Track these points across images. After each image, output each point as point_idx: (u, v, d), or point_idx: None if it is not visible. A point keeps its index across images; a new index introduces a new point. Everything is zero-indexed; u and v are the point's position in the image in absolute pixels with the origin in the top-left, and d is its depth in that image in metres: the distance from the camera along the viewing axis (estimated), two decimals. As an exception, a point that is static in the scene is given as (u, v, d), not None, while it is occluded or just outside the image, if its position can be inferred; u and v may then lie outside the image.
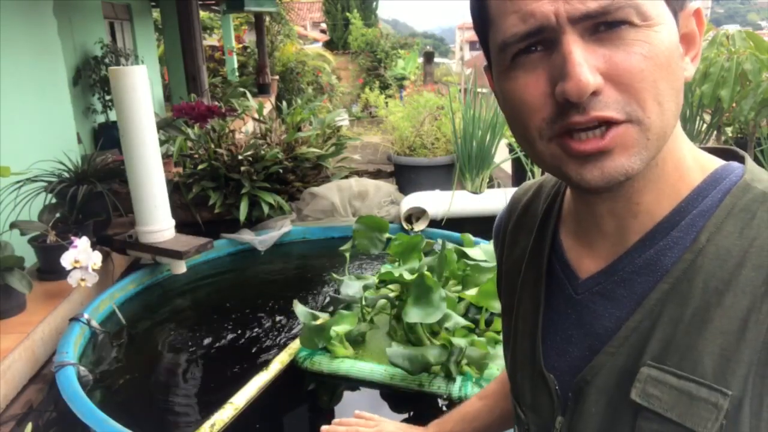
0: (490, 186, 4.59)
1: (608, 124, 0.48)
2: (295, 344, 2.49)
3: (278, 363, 2.39)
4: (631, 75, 0.48)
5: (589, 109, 0.48)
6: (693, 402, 0.50)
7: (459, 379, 2.17)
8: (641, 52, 0.48)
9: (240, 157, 3.97)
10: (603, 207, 0.58)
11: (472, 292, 2.59)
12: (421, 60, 12.58)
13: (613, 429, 0.56)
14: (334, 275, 2.91)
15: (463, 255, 2.89)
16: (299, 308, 2.47)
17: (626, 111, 0.48)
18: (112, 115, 5.40)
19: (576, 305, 0.62)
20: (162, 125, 4.03)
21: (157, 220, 3.18)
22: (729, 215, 0.53)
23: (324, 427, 1.05)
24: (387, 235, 3.04)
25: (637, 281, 0.56)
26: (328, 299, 3.04)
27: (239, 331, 2.75)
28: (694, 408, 0.50)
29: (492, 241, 0.84)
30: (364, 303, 2.64)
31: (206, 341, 2.69)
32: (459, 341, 2.23)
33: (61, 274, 2.66)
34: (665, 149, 0.53)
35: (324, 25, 20.02)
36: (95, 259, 2.67)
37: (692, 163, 0.57)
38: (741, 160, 0.59)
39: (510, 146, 4.82)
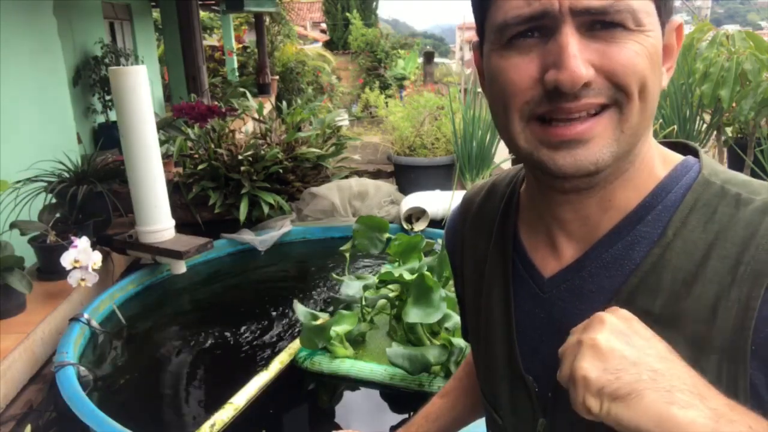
0: (490, 186, 4.58)
1: (588, 113, 0.51)
2: (295, 344, 2.49)
3: (278, 363, 2.39)
4: (623, 68, 0.50)
5: (581, 97, 0.50)
6: None
7: (459, 379, 2.17)
8: (634, 48, 0.50)
9: (240, 157, 3.97)
10: (569, 208, 0.60)
11: (472, 292, 2.58)
12: (421, 60, 12.57)
13: (596, 425, 0.56)
14: (334, 275, 2.92)
15: (463, 255, 2.89)
16: (299, 308, 2.47)
17: (614, 97, 0.51)
18: (112, 115, 5.39)
19: (544, 304, 0.62)
20: (162, 125, 4.03)
21: (157, 220, 3.18)
22: (692, 210, 0.55)
23: None
24: (387, 235, 3.04)
25: (606, 276, 0.58)
26: (328, 299, 3.04)
27: (239, 331, 2.75)
28: None
29: (445, 242, 0.83)
30: (364, 303, 2.64)
31: (206, 341, 2.69)
32: (459, 341, 2.23)
33: (61, 274, 2.66)
34: (641, 149, 0.56)
35: (324, 25, 20.01)
36: (95, 259, 2.67)
37: (657, 159, 0.60)
38: (694, 152, 0.62)
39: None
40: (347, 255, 3.18)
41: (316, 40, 18.29)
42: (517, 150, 0.57)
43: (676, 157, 0.61)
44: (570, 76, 0.49)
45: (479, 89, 4.74)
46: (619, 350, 0.46)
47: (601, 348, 0.46)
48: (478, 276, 0.72)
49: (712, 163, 0.60)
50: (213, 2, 9.58)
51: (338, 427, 2.20)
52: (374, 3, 18.00)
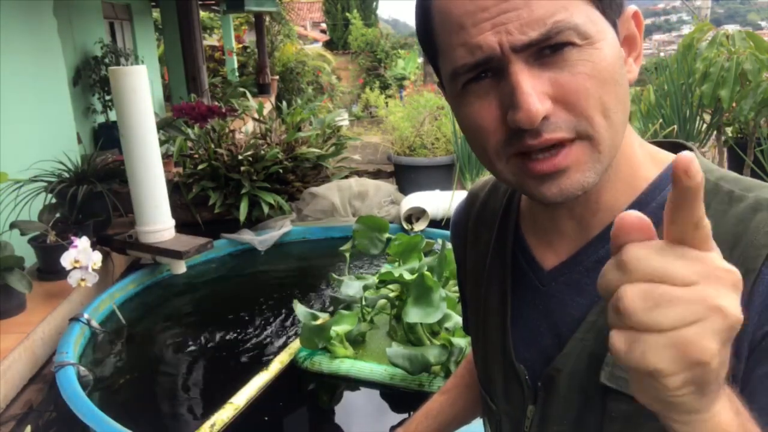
0: (490, 186, 4.59)
1: (561, 143, 0.51)
2: (295, 344, 2.49)
3: (278, 363, 2.39)
4: (577, 94, 0.50)
5: (543, 132, 0.50)
6: None
7: (459, 379, 2.17)
8: (585, 71, 0.50)
9: (240, 157, 3.97)
10: (563, 211, 0.61)
11: (472, 292, 2.58)
12: (421, 60, 12.58)
13: (585, 413, 0.59)
14: (334, 275, 2.91)
15: (463, 255, 2.88)
16: (299, 308, 2.47)
17: (576, 129, 0.50)
18: (112, 115, 5.39)
19: (542, 296, 0.64)
20: (162, 125, 4.03)
21: (157, 220, 3.18)
22: None
23: None
24: (387, 235, 3.04)
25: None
26: (328, 299, 3.04)
27: (239, 331, 2.75)
28: None
29: (450, 235, 0.85)
30: (364, 303, 2.64)
31: (206, 341, 2.69)
32: (459, 341, 2.23)
33: (61, 274, 2.66)
34: (619, 151, 0.56)
35: (324, 25, 20.02)
36: (95, 259, 2.67)
37: (643, 158, 0.60)
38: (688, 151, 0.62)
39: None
40: (347, 255, 3.18)
41: (316, 40, 18.29)
42: (507, 183, 0.58)
43: (668, 156, 0.61)
44: (527, 115, 0.48)
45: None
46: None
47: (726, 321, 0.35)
48: (480, 267, 0.73)
49: (705, 161, 0.60)
50: (213, 2, 9.58)
51: (338, 428, 2.20)
52: (374, 3, 18.00)
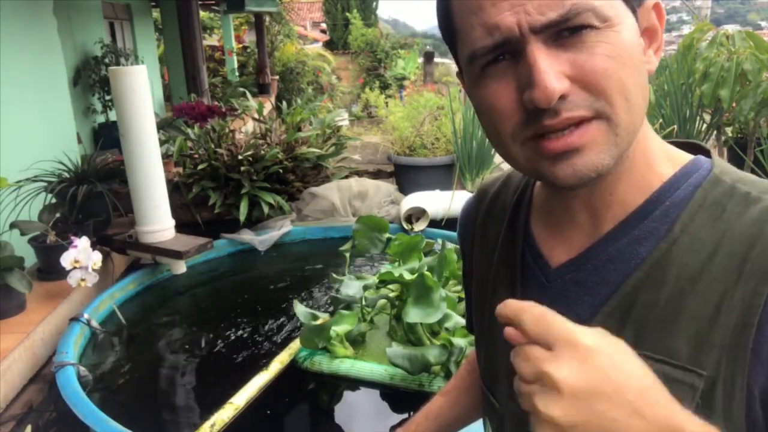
0: (490, 186, 4.59)
1: (579, 122, 0.51)
2: (295, 344, 2.49)
3: (278, 363, 2.39)
4: (596, 74, 0.50)
5: (561, 112, 0.50)
6: (669, 384, 0.51)
7: (459, 379, 2.17)
8: (603, 52, 0.50)
9: (240, 157, 3.97)
10: (577, 200, 0.61)
11: (472, 292, 2.58)
12: (421, 60, 12.57)
13: None
14: (334, 275, 2.91)
15: (463, 255, 2.88)
16: (299, 308, 2.47)
17: (594, 108, 0.50)
18: (112, 115, 5.38)
19: (549, 293, 0.63)
20: (162, 125, 4.03)
21: (157, 220, 3.18)
22: (701, 208, 0.55)
23: None
24: (387, 235, 3.04)
25: (611, 269, 0.58)
26: (328, 299, 3.04)
27: (239, 331, 2.75)
28: (671, 389, 0.51)
29: (458, 230, 0.84)
30: (364, 303, 2.64)
31: (206, 341, 2.69)
32: (459, 341, 2.23)
33: (61, 274, 2.66)
34: (635, 142, 0.55)
35: (324, 25, 20.02)
36: (95, 259, 2.67)
37: (660, 155, 0.59)
38: (706, 153, 0.62)
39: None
40: (347, 255, 3.18)
41: (316, 40, 18.30)
42: (519, 168, 0.57)
43: (685, 156, 0.61)
44: (543, 93, 0.48)
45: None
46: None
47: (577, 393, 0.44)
48: (487, 264, 0.73)
49: (724, 163, 0.59)
50: (213, 2, 9.58)
51: (338, 428, 2.20)
52: (374, 3, 18.00)
